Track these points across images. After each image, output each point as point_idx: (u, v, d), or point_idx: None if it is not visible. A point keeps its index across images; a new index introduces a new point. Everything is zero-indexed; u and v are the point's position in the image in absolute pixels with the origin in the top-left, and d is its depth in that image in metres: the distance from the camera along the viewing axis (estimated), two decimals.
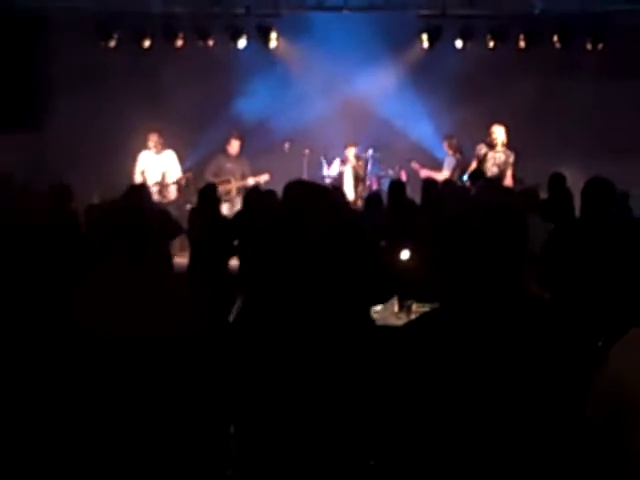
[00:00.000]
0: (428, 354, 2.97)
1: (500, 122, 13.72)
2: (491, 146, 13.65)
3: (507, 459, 2.90)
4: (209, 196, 10.30)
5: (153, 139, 14.23)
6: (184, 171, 14.39)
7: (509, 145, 13.69)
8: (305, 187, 4.74)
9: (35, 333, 4.58)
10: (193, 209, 10.64)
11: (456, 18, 14.94)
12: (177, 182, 14.17)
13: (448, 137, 14.79)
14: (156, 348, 3.86)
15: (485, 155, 13.63)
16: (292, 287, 4.30)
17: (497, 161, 13.56)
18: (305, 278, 4.31)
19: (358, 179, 14.55)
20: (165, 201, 13.58)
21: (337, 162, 14.93)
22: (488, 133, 13.70)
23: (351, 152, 14.74)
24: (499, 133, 13.64)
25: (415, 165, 14.62)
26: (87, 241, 5.49)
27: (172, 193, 14.09)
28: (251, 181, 13.99)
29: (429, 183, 11.11)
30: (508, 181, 13.44)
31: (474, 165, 13.60)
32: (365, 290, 4.76)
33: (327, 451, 4.17)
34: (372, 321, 5.50)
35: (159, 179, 13.99)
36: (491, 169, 13.36)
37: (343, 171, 14.72)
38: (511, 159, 13.64)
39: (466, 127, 14.65)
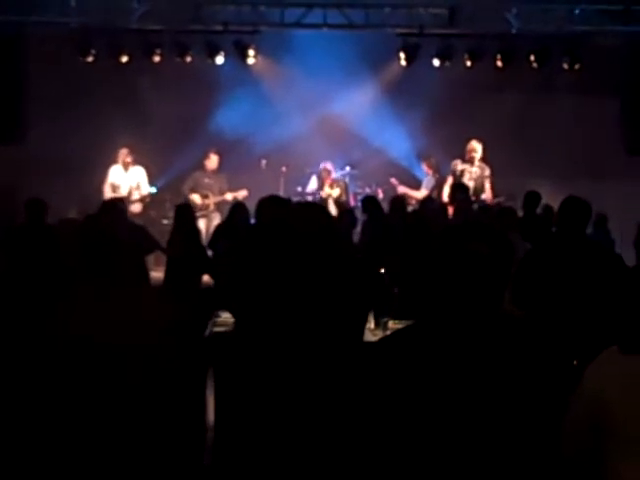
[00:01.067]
0: (401, 370, 2.96)
1: (477, 138, 13.80)
2: (466, 161, 13.72)
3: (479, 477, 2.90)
4: (185, 212, 10.35)
5: (122, 154, 14.24)
6: (157, 188, 14.62)
7: (484, 160, 13.77)
8: (276, 202, 4.76)
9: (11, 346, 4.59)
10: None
11: (434, 37, 15.00)
12: (141, 200, 14.26)
13: (426, 157, 14.85)
14: (128, 360, 3.86)
15: (462, 171, 13.68)
16: (270, 300, 4.31)
17: (473, 175, 13.65)
18: (284, 291, 4.32)
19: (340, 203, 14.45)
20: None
21: (314, 179, 14.94)
22: (466, 149, 13.76)
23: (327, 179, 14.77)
24: (477, 148, 13.71)
25: (394, 181, 14.65)
26: (61, 256, 5.47)
27: (136, 208, 14.04)
28: (229, 197, 14.01)
29: (396, 200, 11.25)
30: (487, 194, 13.53)
31: (450, 181, 13.65)
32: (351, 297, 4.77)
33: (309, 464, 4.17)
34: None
35: (125, 194, 13.94)
36: (468, 183, 13.42)
37: (325, 193, 14.66)
38: (487, 172, 13.75)
39: (443, 145, 14.70)
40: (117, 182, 14.18)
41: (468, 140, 13.86)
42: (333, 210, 14.23)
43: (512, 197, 12.90)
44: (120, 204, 10.56)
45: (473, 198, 13.15)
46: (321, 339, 4.31)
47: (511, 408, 2.89)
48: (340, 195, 14.56)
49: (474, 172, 13.69)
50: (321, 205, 5.01)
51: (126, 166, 14.28)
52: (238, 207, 10.73)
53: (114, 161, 14.39)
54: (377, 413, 2.98)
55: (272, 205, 4.77)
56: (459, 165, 13.78)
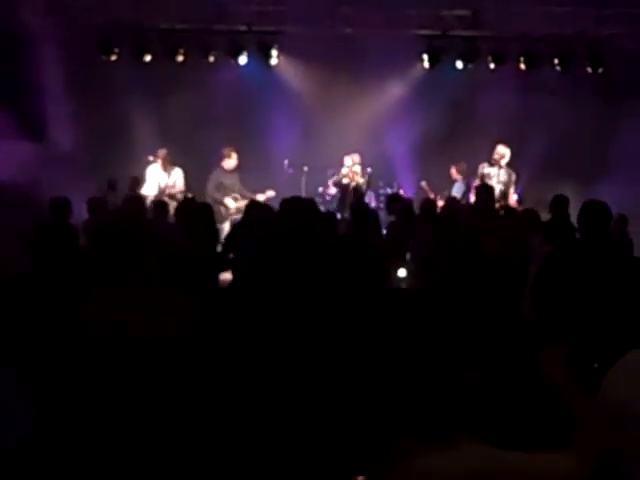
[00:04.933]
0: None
1: (504, 142, 13.75)
2: (493, 165, 13.67)
3: None
4: (206, 211, 10.37)
5: (162, 154, 14.30)
6: (187, 189, 14.39)
7: (510, 165, 13.73)
8: (301, 202, 4.77)
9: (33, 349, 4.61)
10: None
11: (458, 39, 15.00)
12: (175, 198, 14.05)
13: (456, 162, 14.70)
14: (149, 358, 3.88)
15: (489, 174, 13.63)
16: (289, 301, 4.33)
17: (500, 179, 13.57)
18: (302, 293, 4.33)
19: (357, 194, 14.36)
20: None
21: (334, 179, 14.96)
22: (494, 153, 13.70)
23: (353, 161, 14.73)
24: (505, 153, 13.67)
25: (424, 185, 14.60)
26: (86, 256, 5.50)
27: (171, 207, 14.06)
28: (261, 197, 13.77)
29: (427, 203, 11.15)
30: (511, 201, 13.46)
31: (477, 183, 13.55)
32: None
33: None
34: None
35: (158, 193, 13.96)
36: (495, 186, 13.37)
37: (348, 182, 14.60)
38: (513, 178, 13.68)
39: (467, 148, 14.68)
40: (156, 181, 14.23)
41: (495, 144, 13.81)
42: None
43: (540, 203, 12.76)
44: (165, 204, 10.89)
45: (501, 202, 13.09)
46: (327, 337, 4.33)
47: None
48: (359, 184, 14.46)
49: (501, 175, 13.62)
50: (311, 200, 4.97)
51: (165, 166, 14.33)
52: (253, 206, 10.70)
53: (145, 162, 14.45)
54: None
55: (295, 205, 4.76)
56: (486, 168, 13.71)
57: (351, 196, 13.78)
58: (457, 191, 14.43)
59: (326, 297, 4.39)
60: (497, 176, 13.60)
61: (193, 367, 3.94)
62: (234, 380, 4.27)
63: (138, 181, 13.87)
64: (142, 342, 3.89)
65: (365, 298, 4.62)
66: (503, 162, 13.67)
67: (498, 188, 13.35)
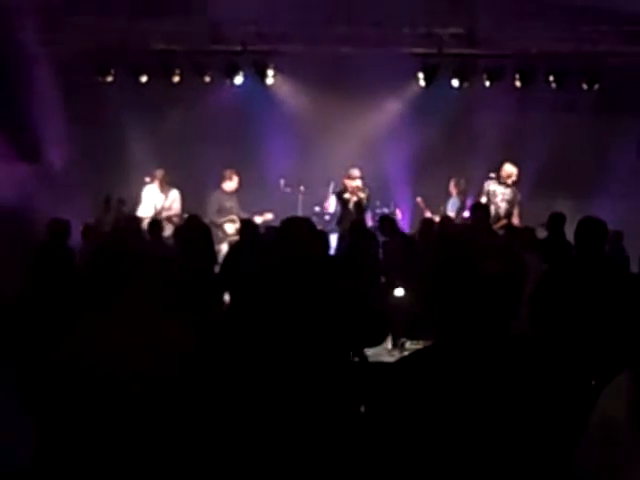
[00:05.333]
0: (418, 391, 2.95)
1: (511, 161, 13.74)
2: (501, 183, 13.64)
3: None
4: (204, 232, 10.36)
5: (159, 174, 14.29)
6: (183, 211, 14.28)
7: (516, 184, 13.72)
8: (300, 224, 4.76)
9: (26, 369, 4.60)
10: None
11: (453, 57, 15.03)
12: (172, 220, 14.05)
13: (456, 177, 14.68)
14: (144, 383, 3.86)
15: (494, 191, 13.60)
16: (281, 325, 4.32)
17: (506, 197, 13.53)
18: (293, 319, 4.33)
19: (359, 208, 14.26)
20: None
21: (333, 198, 14.90)
22: (501, 172, 13.66)
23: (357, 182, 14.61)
24: (513, 172, 13.63)
25: (421, 202, 14.59)
26: (82, 277, 5.49)
27: (168, 229, 13.98)
28: (258, 220, 13.51)
29: (426, 222, 11.15)
30: (516, 220, 13.43)
31: (483, 200, 13.49)
32: (355, 330, 4.75)
33: None
34: (365, 358, 5.49)
35: (154, 214, 13.93)
36: (500, 205, 13.36)
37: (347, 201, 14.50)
38: (518, 197, 13.65)
39: (465, 165, 14.71)
40: (152, 202, 14.21)
41: (502, 162, 13.77)
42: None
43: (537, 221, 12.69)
44: (161, 224, 10.94)
45: (504, 221, 13.08)
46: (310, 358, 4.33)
47: (526, 428, 2.87)
48: (361, 199, 14.37)
49: (507, 194, 13.58)
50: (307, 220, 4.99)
51: (162, 187, 14.31)
52: (245, 226, 10.70)
53: (142, 181, 14.46)
54: (393, 433, 2.96)
55: (294, 226, 4.75)
56: (491, 185, 13.67)
57: (351, 212, 13.76)
58: (451, 207, 14.46)
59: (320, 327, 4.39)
60: (503, 194, 13.57)
61: (184, 393, 3.93)
62: (229, 404, 4.26)
63: (124, 202, 13.84)
64: (136, 365, 3.89)
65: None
66: (510, 181, 13.63)
67: (503, 206, 13.36)
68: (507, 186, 13.61)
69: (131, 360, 3.82)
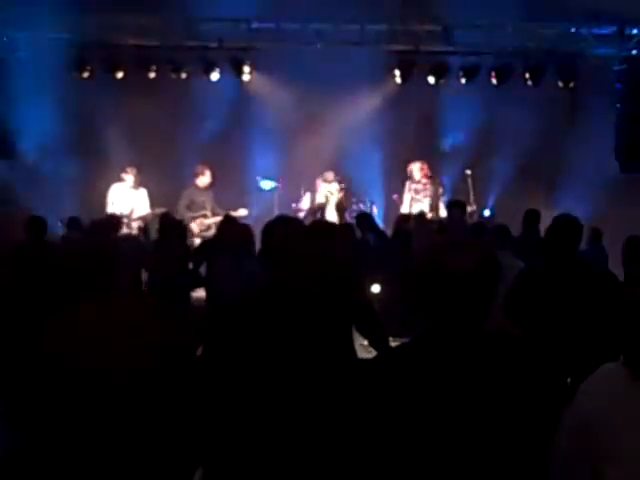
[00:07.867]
0: (394, 387, 2.96)
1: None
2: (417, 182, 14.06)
3: None
4: (173, 227, 10.39)
5: (130, 172, 14.20)
6: (153, 208, 14.19)
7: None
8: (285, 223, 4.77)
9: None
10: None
11: (429, 54, 15.06)
12: (143, 218, 13.98)
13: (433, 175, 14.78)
14: (126, 376, 3.86)
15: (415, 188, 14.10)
16: (276, 322, 4.32)
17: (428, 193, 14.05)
18: (291, 316, 4.33)
19: (341, 209, 14.38)
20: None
21: (307, 196, 14.90)
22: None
23: (333, 185, 14.69)
24: (413, 168, 14.09)
25: (396, 198, 14.61)
26: (60, 272, 5.49)
27: (136, 227, 13.88)
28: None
29: (402, 218, 11.16)
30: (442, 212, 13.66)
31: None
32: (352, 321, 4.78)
33: None
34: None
35: (127, 213, 13.85)
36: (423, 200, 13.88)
37: (323, 201, 14.61)
38: (440, 190, 14.09)
39: (439, 162, 14.76)
40: (119, 200, 14.13)
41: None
42: (334, 215, 14.17)
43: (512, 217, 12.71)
44: (116, 219, 10.78)
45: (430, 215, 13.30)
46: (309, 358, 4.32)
47: (504, 424, 2.89)
48: (341, 199, 14.47)
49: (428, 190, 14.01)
50: (298, 220, 4.98)
51: (135, 184, 14.23)
52: (227, 221, 10.67)
53: (117, 179, 14.36)
54: (372, 430, 2.97)
55: (281, 226, 4.73)
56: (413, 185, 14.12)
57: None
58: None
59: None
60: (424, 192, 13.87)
61: (169, 385, 3.93)
62: (210, 405, 4.25)
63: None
64: (119, 358, 3.89)
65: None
66: (422, 178, 13.97)
67: (427, 202, 13.59)
68: (424, 184, 13.93)
69: (113, 351, 3.83)
